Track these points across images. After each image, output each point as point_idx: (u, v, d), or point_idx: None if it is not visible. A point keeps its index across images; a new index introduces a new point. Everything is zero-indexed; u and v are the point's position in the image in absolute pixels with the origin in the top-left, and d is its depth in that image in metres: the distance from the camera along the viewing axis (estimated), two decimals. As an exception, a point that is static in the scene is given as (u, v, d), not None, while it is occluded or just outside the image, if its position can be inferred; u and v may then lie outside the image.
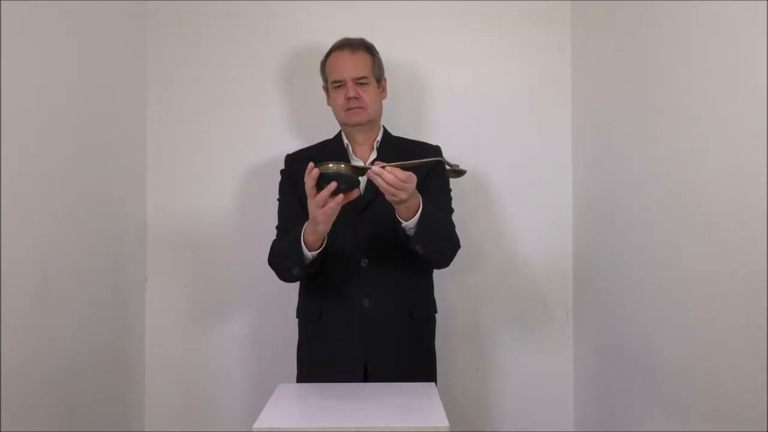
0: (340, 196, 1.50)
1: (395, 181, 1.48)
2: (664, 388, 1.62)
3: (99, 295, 1.96)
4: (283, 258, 1.72)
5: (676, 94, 1.57)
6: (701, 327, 1.45)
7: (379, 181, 1.48)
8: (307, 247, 1.62)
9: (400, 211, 1.58)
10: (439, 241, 1.70)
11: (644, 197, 1.73)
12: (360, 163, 1.79)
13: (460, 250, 1.79)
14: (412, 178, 1.51)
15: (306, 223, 1.62)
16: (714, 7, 1.39)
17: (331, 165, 1.49)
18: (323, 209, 1.51)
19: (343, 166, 1.50)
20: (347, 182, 1.50)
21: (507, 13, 2.28)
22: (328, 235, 1.63)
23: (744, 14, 1.28)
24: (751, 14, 1.25)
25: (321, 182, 1.50)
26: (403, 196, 1.51)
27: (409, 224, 1.59)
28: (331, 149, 1.86)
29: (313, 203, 1.52)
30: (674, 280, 1.56)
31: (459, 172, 1.62)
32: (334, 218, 1.54)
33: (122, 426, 2.12)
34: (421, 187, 1.59)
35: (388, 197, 1.52)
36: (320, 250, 1.64)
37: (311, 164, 1.49)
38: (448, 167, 1.65)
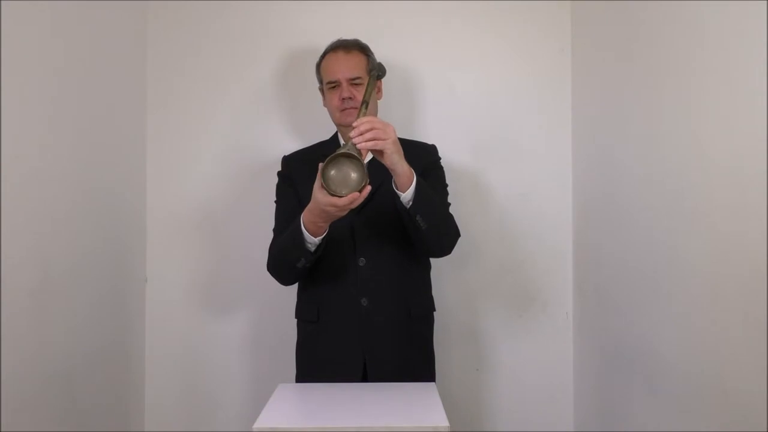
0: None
1: (369, 118, 1.55)
2: (664, 388, 1.62)
3: (99, 295, 1.96)
4: (286, 253, 1.69)
5: (676, 94, 1.57)
6: (701, 327, 1.45)
7: (363, 134, 1.51)
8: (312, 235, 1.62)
9: (398, 179, 1.58)
10: (438, 214, 1.69)
11: (644, 197, 1.73)
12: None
13: (459, 250, 1.79)
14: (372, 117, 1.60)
15: (304, 216, 1.60)
16: (714, 8, 1.39)
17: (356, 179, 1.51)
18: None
19: (355, 174, 1.51)
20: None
21: (507, 13, 2.28)
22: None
23: (744, 14, 1.28)
24: (751, 14, 1.25)
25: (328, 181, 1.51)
26: (392, 132, 1.55)
27: (407, 195, 1.59)
28: (327, 150, 1.85)
29: (349, 206, 1.51)
30: (674, 280, 1.56)
31: (380, 72, 1.76)
32: None
33: (122, 426, 2.12)
34: None
35: (388, 148, 1.53)
36: (325, 234, 1.63)
37: (356, 194, 1.49)
38: (373, 71, 1.77)
